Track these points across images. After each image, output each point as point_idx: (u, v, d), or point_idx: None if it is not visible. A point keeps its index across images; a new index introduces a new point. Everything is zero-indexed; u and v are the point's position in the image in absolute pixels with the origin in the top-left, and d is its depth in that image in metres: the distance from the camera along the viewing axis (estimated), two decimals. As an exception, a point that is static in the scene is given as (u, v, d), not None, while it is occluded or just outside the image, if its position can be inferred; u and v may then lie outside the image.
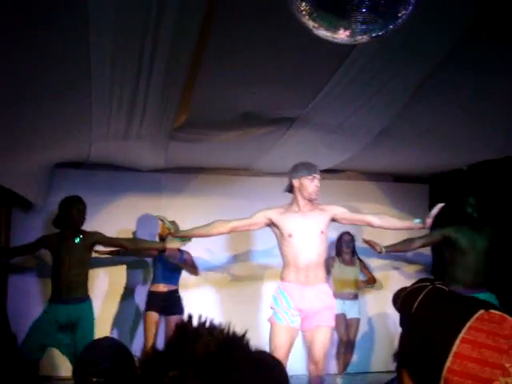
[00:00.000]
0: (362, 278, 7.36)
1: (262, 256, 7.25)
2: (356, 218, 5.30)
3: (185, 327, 1.07)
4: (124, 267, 7.28)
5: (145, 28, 3.23)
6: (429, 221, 5.24)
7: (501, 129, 5.27)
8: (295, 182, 5.03)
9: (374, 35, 2.31)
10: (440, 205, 5.29)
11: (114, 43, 3.36)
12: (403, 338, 1.68)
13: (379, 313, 7.84)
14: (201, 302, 7.37)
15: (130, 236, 7.18)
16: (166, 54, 3.60)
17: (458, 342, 1.33)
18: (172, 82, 4.07)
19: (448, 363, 1.32)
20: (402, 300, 2.45)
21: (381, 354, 7.67)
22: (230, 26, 3.41)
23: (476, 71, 4.07)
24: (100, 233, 6.04)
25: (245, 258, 7.53)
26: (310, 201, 5.02)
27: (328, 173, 7.69)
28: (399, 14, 2.22)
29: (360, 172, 8.03)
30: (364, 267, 7.33)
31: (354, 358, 7.69)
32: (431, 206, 7.25)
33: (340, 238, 7.18)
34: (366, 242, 6.14)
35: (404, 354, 1.51)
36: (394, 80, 4.24)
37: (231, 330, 1.08)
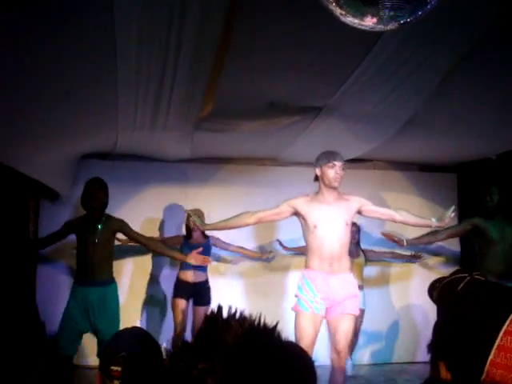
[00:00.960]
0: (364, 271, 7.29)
1: (288, 245, 7.23)
2: (380, 212, 5.37)
3: (215, 318, 1.05)
4: (150, 253, 7.32)
5: (170, 17, 3.22)
6: (445, 222, 5.35)
7: (531, 117, 5.20)
8: (317, 171, 5.07)
9: (402, 22, 2.27)
10: (453, 207, 5.41)
11: (140, 33, 3.35)
12: (440, 328, 1.64)
13: (405, 304, 7.81)
14: (227, 292, 7.39)
15: (157, 225, 7.21)
16: (192, 44, 3.59)
17: (501, 334, 1.30)
18: (198, 72, 4.06)
19: (491, 356, 1.29)
20: (439, 291, 2.42)
21: (405, 344, 7.64)
22: (256, 14, 3.39)
23: (504, 58, 4.00)
24: (125, 223, 6.04)
25: (271, 247, 7.52)
26: (334, 188, 5.04)
27: (355, 162, 7.65)
28: (428, 0, 2.19)
29: (387, 161, 7.98)
30: (373, 253, 7.26)
31: (378, 347, 7.68)
32: (460, 196, 7.23)
33: None
34: (386, 235, 6.18)
35: (442, 345, 1.47)
36: (422, 68, 4.18)
37: (262, 321, 1.07)
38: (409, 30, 3.34)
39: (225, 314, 1.08)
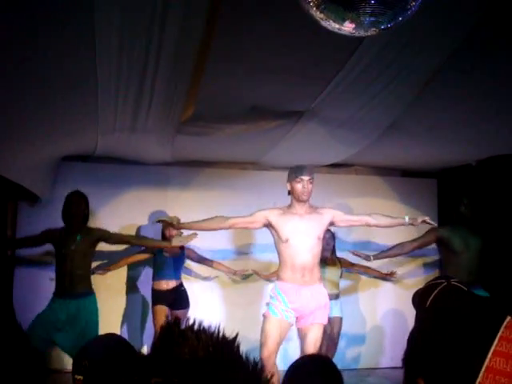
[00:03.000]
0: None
1: (266, 251, 7.21)
2: (353, 220, 5.50)
3: (170, 330, 1.01)
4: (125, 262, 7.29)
5: (151, 18, 3.20)
6: (418, 221, 5.51)
7: (510, 124, 5.22)
8: (288, 185, 5.23)
9: (382, 27, 2.27)
10: (426, 218, 5.56)
11: (120, 35, 3.33)
12: (416, 338, 1.60)
13: (389, 309, 7.84)
14: (205, 296, 7.37)
15: (135, 230, 7.18)
16: (173, 47, 3.57)
17: (490, 355, 1.25)
18: (178, 75, 4.04)
19: (479, 379, 1.24)
20: (414, 297, 2.42)
21: (391, 350, 7.66)
22: (237, 18, 3.38)
23: (485, 64, 4.02)
24: (104, 230, 6.03)
25: (249, 252, 7.51)
26: (303, 202, 5.18)
27: (336, 167, 7.67)
28: (408, 6, 2.18)
29: (368, 167, 8.00)
30: (350, 264, 7.25)
31: (364, 352, 7.70)
32: (440, 202, 7.26)
33: None
34: (354, 253, 6.43)
35: (419, 360, 1.43)
36: (404, 74, 4.19)
37: (221, 333, 1.03)
38: (390, 36, 3.35)
39: (182, 325, 1.04)
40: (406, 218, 5.48)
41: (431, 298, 2.22)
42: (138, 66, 3.79)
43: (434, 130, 5.61)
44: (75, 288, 5.72)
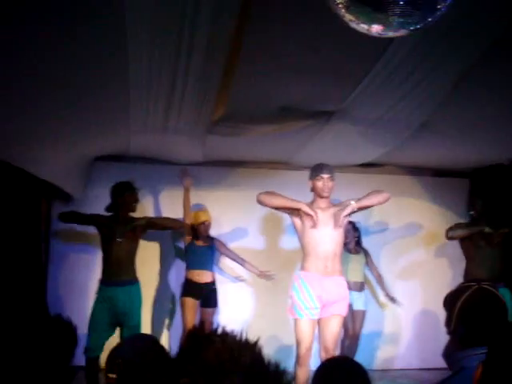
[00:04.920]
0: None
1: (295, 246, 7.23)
2: (364, 204, 5.42)
3: (196, 334, 1.05)
4: (157, 252, 7.35)
5: (182, 19, 3.22)
6: None
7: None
8: (310, 183, 5.40)
9: (411, 28, 2.27)
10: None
11: (152, 35, 3.36)
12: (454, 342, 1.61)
13: (419, 309, 7.78)
14: (236, 295, 7.41)
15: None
16: (204, 48, 3.59)
17: None
18: (209, 75, 4.07)
19: None
20: (444, 299, 2.41)
21: (421, 351, 7.60)
22: (268, 18, 3.39)
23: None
24: (147, 216, 6.29)
25: (278, 251, 7.54)
26: (324, 198, 5.34)
27: (367, 167, 7.64)
28: (438, 7, 2.18)
29: (399, 166, 7.95)
30: (370, 261, 7.20)
31: (397, 352, 7.65)
32: (472, 201, 7.18)
33: None
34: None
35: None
36: (435, 72, 4.17)
37: (244, 337, 1.06)
38: (421, 35, 3.34)
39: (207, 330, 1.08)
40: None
41: (461, 300, 2.21)
42: (169, 66, 3.83)
43: (466, 129, 5.57)
44: (123, 276, 5.87)
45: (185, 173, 6.79)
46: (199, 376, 0.94)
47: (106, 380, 2.19)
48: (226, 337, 1.04)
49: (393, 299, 7.15)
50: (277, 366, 1.04)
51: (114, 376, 2.13)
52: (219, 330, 1.07)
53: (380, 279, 7.24)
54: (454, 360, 2.13)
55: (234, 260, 7.09)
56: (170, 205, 7.15)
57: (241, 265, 7.09)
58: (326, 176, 5.28)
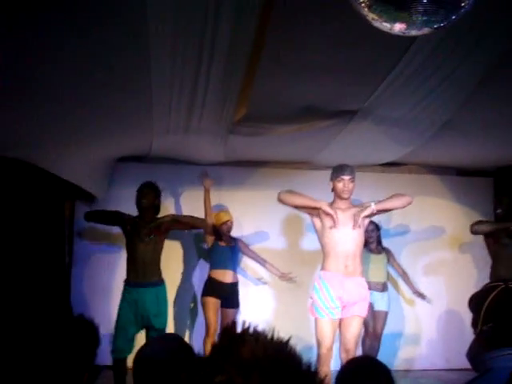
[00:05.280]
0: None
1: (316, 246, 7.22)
2: (385, 207, 5.41)
3: (231, 332, 1.04)
4: (180, 252, 7.37)
5: (204, 20, 3.23)
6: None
7: None
8: (330, 184, 5.41)
9: (435, 26, 2.25)
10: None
11: (174, 35, 3.37)
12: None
13: (444, 309, 7.73)
14: (257, 295, 7.41)
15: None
16: (226, 48, 3.60)
17: None
18: (231, 76, 4.07)
19: None
20: (470, 300, 2.37)
21: (446, 351, 7.54)
22: (290, 18, 3.39)
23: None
24: (172, 214, 6.35)
25: (300, 251, 7.53)
26: (344, 199, 5.35)
27: (389, 166, 7.61)
28: (462, 4, 2.16)
29: (422, 165, 7.90)
30: (393, 260, 7.16)
31: (419, 352, 7.60)
32: (497, 199, 7.11)
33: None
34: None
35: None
36: (458, 71, 4.14)
37: (276, 335, 1.06)
38: (443, 34, 3.31)
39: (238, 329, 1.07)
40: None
41: (488, 301, 2.19)
42: (191, 66, 3.84)
43: (489, 128, 5.53)
44: (148, 277, 5.90)
45: (205, 174, 6.81)
46: (236, 374, 0.94)
47: (134, 380, 2.20)
48: (259, 335, 1.04)
49: (422, 295, 7.12)
50: (309, 365, 1.04)
51: (143, 375, 2.15)
52: (251, 329, 1.06)
53: (406, 276, 7.22)
54: (480, 361, 2.10)
55: (256, 261, 7.10)
56: (191, 205, 7.16)
57: (262, 266, 7.09)
58: (346, 177, 5.29)
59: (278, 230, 7.59)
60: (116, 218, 6.12)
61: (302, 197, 5.42)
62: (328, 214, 5.21)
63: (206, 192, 6.74)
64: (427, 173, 7.98)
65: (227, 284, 6.69)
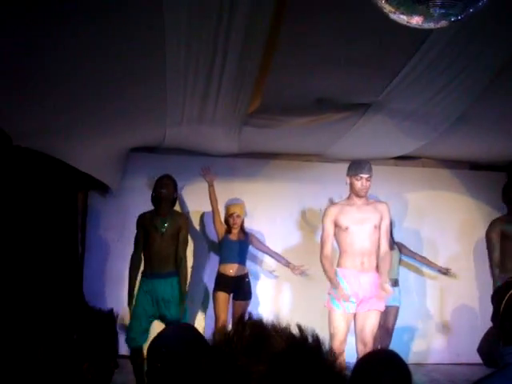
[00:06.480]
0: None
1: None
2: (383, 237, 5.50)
3: (261, 325, 1.05)
4: (191, 246, 7.40)
5: (219, 12, 3.23)
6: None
7: None
8: (347, 179, 5.44)
9: (452, 19, 2.24)
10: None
11: (189, 27, 3.37)
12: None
13: (457, 304, 7.71)
14: (270, 289, 7.42)
15: (200, 220, 7.32)
16: (240, 39, 3.60)
17: None
18: (246, 67, 4.07)
19: None
20: (492, 294, 2.34)
21: (456, 346, 7.52)
22: (304, 10, 3.38)
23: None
24: (186, 221, 6.31)
25: (313, 245, 7.52)
26: (361, 197, 5.41)
27: (403, 160, 7.58)
28: (480, -2, 2.15)
29: (436, 159, 7.87)
30: (407, 250, 7.16)
31: (431, 347, 7.59)
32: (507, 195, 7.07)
33: None
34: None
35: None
36: (473, 65, 4.12)
37: (296, 328, 1.06)
38: (460, 27, 3.29)
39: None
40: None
41: (508, 295, 2.17)
42: (206, 57, 3.84)
43: (503, 122, 5.50)
44: (164, 268, 5.97)
45: (207, 169, 6.84)
46: (274, 363, 0.94)
47: (148, 368, 2.20)
48: (278, 327, 1.04)
49: (447, 270, 7.26)
50: (332, 355, 1.05)
51: (158, 364, 2.16)
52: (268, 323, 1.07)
53: (425, 260, 7.33)
54: (497, 356, 2.09)
55: (269, 255, 7.11)
56: (204, 196, 7.17)
57: (274, 259, 7.10)
58: (365, 176, 5.32)
59: (291, 223, 7.58)
60: (140, 225, 6.13)
61: (328, 267, 5.41)
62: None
63: (210, 187, 6.77)
64: (440, 167, 7.94)
65: (236, 277, 6.69)
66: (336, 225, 5.41)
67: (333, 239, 5.51)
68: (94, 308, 2.23)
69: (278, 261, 7.07)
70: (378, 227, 5.40)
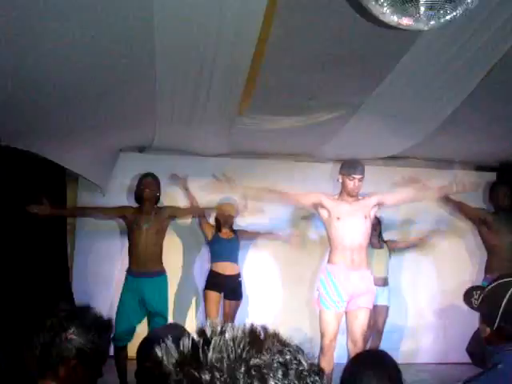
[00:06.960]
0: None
1: (321, 237, 7.21)
2: (399, 194, 5.71)
3: (256, 331, 1.05)
4: (181, 246, 7.38)
5: (210, 7, 3.22)
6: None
7: None
8: (339, 177, 5.43)
9: (442, 21, 2.24)
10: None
11: (178, 23, 3.37)
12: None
13: (447, 304, 7.74)
14: (261, 288, 7.41)
15: (191, 219, 7.31)
16: (231, 38, 3.59)
17: None
18: (236, 67, 4.07)
19: None
20: (484, 297, 2.28)
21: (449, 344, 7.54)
22: (296, 9, 3.38)
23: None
24: (173, 206, 6.36)
25: (304, 242, 7.52)
26: (353, 197, 5.42)
27: (392, 159, 7.59)
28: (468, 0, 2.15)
29: (425, 159, 7.88)
30: (395, 243, 7.19)
31: (420, 346, 7.60)
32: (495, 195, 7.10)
33: None
34: None
35: None
36: (462, 66, 4.14)
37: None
38: (448, 28, 3.30)
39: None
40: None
41: (507, 297, 2.12)
42: (195, 57, 3.84)
43: (493, 122, 5.53)
44: (150, 267, 5.94)
45: (175, 176, 6.97)
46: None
47: (139, 369, 2.20)
48: (277, 338, 1.04)
49: (425, 238, 7.39)
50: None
51: (149, 365, 2.15)
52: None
53: (407, 242, 7.41)
54: (487, 355, 2.09)
55: (259, 237, 7.12)
56: (195, 194, 7.16)
57: (267, 238, 7.11)
58: (358, 177, 5.32)
59: (282, 221, 7.57)
60: (118, 211, 6.18)
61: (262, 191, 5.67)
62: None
63: (186, 191, 6.92)
64: (430, 166, 7.95)
65: (229, 276, 6.69)
66: (327, 211, 5.39)
67: (298, 194, 5.63)
68: (94, 310, 2.23)
69: (272, 237, 7.08)
70: (369, 217, 5.40)
